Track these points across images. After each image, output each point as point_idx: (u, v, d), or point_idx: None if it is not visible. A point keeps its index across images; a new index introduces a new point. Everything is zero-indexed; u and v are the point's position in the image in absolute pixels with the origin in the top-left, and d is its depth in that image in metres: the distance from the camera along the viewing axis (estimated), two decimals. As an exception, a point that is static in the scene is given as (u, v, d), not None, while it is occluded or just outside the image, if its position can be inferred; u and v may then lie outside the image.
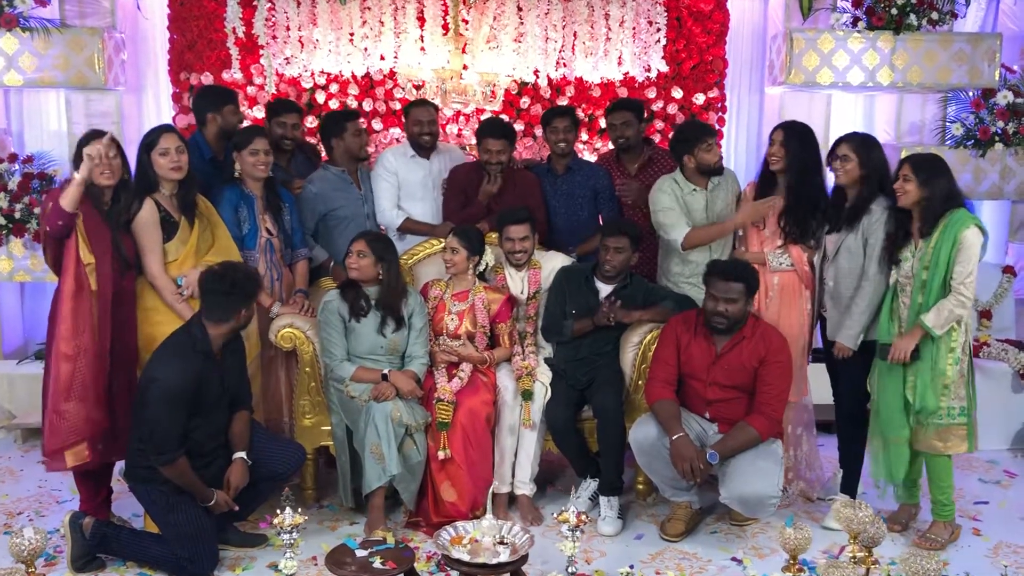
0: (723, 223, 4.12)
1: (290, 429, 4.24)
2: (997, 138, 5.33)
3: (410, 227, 4.53)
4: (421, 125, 4.54)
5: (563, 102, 5.24)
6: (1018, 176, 5.37)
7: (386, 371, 3.85)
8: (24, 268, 5.09)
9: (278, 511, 2.96)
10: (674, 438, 3.59)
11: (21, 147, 5.32)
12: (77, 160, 3.56)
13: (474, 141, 4.66)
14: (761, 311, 3.95)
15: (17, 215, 4.99)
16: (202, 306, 3.45)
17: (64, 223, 3.46)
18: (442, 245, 4.41)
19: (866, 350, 3.85)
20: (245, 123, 5.02)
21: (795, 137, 3.94)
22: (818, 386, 4.24)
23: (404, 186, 4.56)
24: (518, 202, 4.35)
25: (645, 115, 4.86)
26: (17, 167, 5.11)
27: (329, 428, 4.01)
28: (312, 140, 5.13)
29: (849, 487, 4.04)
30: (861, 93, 5.56)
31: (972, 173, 5.32)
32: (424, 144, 4.56)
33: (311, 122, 5.22)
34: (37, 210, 4.97)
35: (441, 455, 3.78)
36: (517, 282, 4.27)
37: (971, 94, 5.41)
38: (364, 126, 4.55)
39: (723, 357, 3.71)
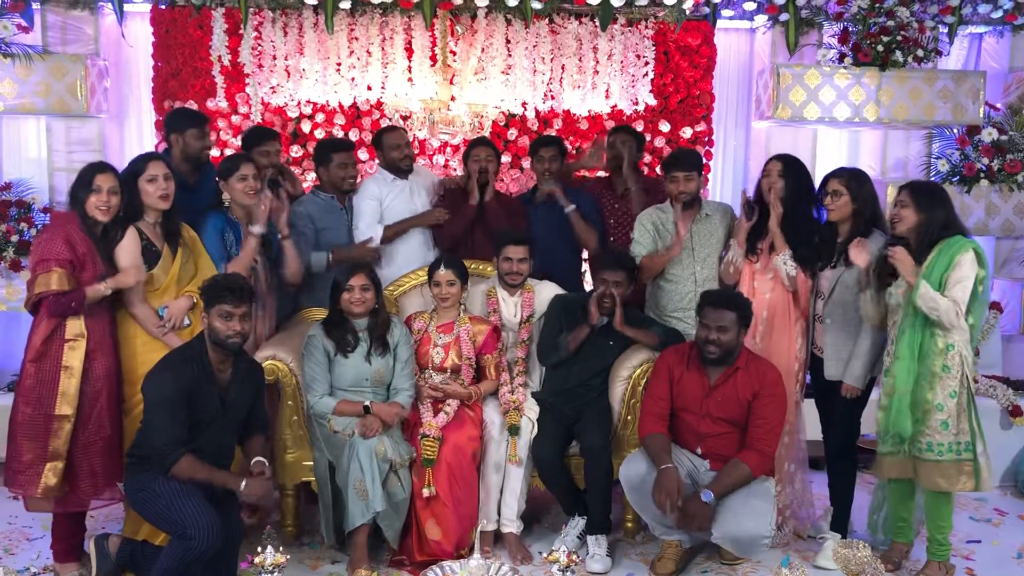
0: (662, 254, 4.17)
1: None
2: (982, 174, 5.35)
3: (393, 231, 4.47)
4: (399, 148, 4.56)
5: (550, 134, 5.22)
6: (1003, 212, 5.39)
7: (368, 403, 3.76)
8: (-1, 297, 4.99)
9: (259, 550, 2.87)
10: (661, 468, 3.52)
11: (-1, 174, 5.24)
12: (77, 191, 3.49)
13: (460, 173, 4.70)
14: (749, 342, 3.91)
15: (-7, 243, 4.90)
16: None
17: (78, 309, 3.42)
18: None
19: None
20: (227, 151, 5.00)
21: (792, 169, 3.96)
22: (807, 423, 4.19)
23: (390, 213, 4.53)
24: (508, 222, 4.40)
25: (643, 145, 4.93)
26: (-6, 194, 5.02)
27: (311, 463, 3.91)
28: (296, 169, 5.11)
29: (840, 525, 3.98)
30: (847, 128, 5.58)
31: (958, 209, 5.23)
32: (404, 167, 4.56)
33: (296, 151, 5.18)
34: (15, 238, 4.88)
35: (426, 492, 3.69)
36: (510, 306, 4.22)
37: (956, 131, 5.44)
38: (351, 160, 4.49)
39: (717, 389, 3.66)
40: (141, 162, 3.64)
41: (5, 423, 3.65)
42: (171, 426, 3.16)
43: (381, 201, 4.50)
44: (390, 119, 4.96)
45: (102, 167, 3.55)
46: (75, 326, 3.45)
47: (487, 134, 4.86)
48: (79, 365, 3.44)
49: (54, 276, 3.39)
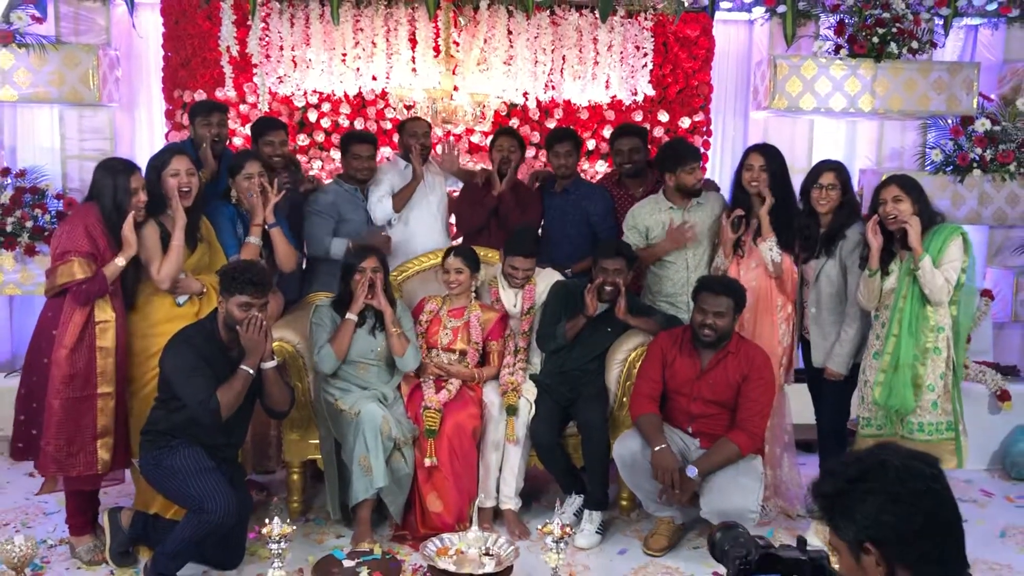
0: (654, 247, 4.28)
1: (276, 443, 4.26)
2: (975, 164, 5.43)
3: (400, 198, 4.58)
4: (417, 138, 4.65)
5: (551, 124, 5.33)
6: (995, 202, 5.48)
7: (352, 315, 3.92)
8: (14, 282, 5.11)
9: (267, 520, 3.00)
10: (656, 449, 3.64)
11: (13, 162, 5.36)
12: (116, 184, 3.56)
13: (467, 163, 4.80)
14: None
15: (8, 228, 5.02)
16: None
17: (104, 290, 3.51)
18: (432, 261, 4.50)
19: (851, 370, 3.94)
20: (235, 140, 5.11)
21: (773, 159, 4.07)
22: (799, 406, 4.31)
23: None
24: (519, 212, 4.55)
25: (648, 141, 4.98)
26: (9, 181, 5.15)
27: (316, 441, 4.04)
28: (302, 157, 5.22)
29: (830, 504, 4.08)
30: (843, 119, 5.67)
31: (951, 199, 5.42)
32: (421, 156, 4.64)
33: (303, 140, 5.29)
34: (29, 224, 5.01)
35: (428, 462, 3.82)
36: (511, 296, 4.34)
37: (950, 121, 5.53)
38: (366, 152, 4.56)
39: (708, 372, 3.78)
40: (166, 155, 3.74)
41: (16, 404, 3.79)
42: (202, 381, 3.28)
43: (392, 184, 4.62)
44: (394, 109, 5.07)
45: (132, 167, 3.63)
46: (104, 310, 3.54)
47: (489, 124, 4.96)
48: (112, 345, 3.55)
49: (75, 265, 3.47)
